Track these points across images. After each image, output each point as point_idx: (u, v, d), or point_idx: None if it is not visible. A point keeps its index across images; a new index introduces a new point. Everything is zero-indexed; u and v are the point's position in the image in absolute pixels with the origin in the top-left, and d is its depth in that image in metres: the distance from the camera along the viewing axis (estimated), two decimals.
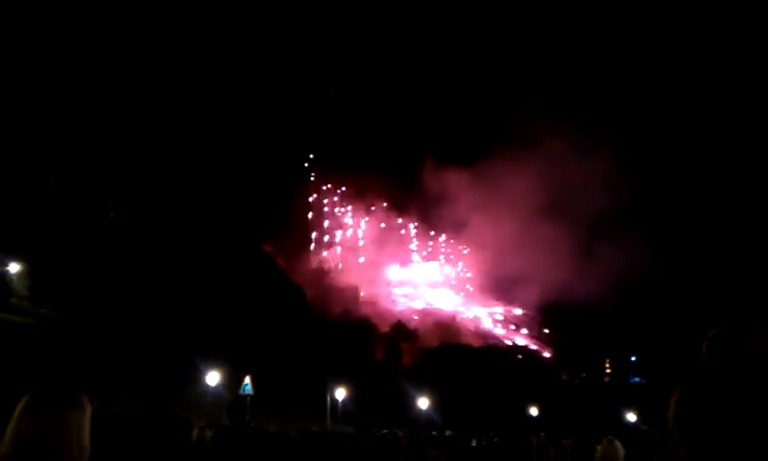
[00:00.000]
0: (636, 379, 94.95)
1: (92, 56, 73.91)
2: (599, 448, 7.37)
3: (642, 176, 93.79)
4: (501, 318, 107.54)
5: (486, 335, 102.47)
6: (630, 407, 54.34)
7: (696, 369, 2.27)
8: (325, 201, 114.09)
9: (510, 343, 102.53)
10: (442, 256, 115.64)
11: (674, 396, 1.93)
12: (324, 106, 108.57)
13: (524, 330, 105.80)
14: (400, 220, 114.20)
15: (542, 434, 28.65)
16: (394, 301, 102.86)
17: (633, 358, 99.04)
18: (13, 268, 49.16)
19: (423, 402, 52.22)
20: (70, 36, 71.21)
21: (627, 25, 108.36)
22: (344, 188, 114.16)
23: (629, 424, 50.33)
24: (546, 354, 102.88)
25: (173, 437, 5.90)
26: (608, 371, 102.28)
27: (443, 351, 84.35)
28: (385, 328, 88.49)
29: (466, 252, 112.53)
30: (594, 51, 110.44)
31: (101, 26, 75.68)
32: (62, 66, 69.55)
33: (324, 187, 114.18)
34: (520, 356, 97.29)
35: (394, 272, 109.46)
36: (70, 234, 60.11)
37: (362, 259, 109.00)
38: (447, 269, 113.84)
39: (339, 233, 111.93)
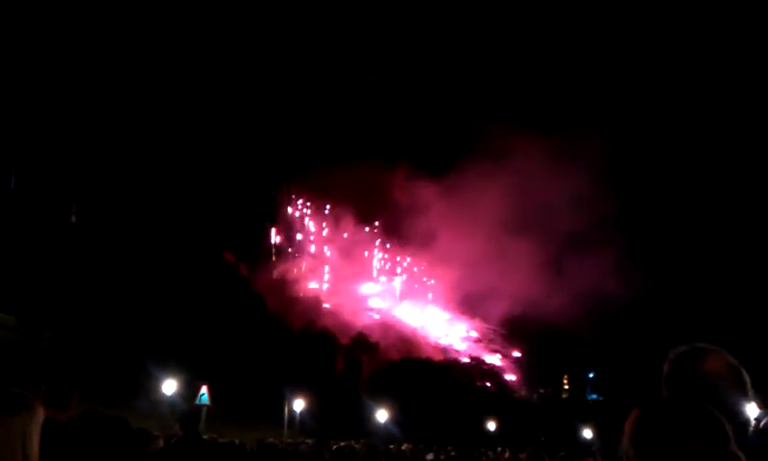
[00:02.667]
0: (594, 396, 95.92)
1: (55, 55, 72.78)
2: None
3: (611, 194, 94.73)
4: (463, 332, 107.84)
5: (447, 349, 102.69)
6: (587, 424, 54.91)
7: (656, 389, 2.23)
8: (291, 210, 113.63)
9: (470, 357, 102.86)
10: (405, 268, 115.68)
11: (631, 417, 1.88)
12: (293, 114, 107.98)
13: (485, 345, 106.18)
14: (367, 231, 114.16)
15: (499, 449, 28.77)
16: (356, 312, 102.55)
17: (590, 375, 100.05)
18: None
19: (382, 415, 52.09)
20: (31, 35, 70.04)
21: (597, 42, 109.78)
22: (310, 198, 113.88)
23: (585, 440, 50.78)
24: (506, 369, 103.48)
25: (128, 447, 5.76)
26: (566, 387, 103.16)
27: (403, 364, 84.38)
28: (346, 340, 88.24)
29: (428, 266, 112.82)
30: (567, 66, 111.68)
31: (64, 26, 74.54)
32: (22, 65, 68.34)
33: (291, 196, 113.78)
34: (480, 371, 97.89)
35: (358, 283, 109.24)
36: (30, 238, 59.07)
37: (326, 270, 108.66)
38: (412, 282, 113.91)
39: (304, 243, 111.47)
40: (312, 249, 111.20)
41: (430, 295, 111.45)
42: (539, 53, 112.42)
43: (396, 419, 53.64)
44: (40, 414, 2.84)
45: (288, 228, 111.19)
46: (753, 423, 2.51)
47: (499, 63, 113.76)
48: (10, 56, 66.11)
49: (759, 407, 2.85)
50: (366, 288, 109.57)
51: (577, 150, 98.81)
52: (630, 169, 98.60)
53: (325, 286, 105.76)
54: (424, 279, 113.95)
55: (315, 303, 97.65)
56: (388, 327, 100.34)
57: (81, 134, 72.06)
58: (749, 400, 2.50)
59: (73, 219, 69.65)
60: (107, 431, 5.29)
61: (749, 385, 2.52)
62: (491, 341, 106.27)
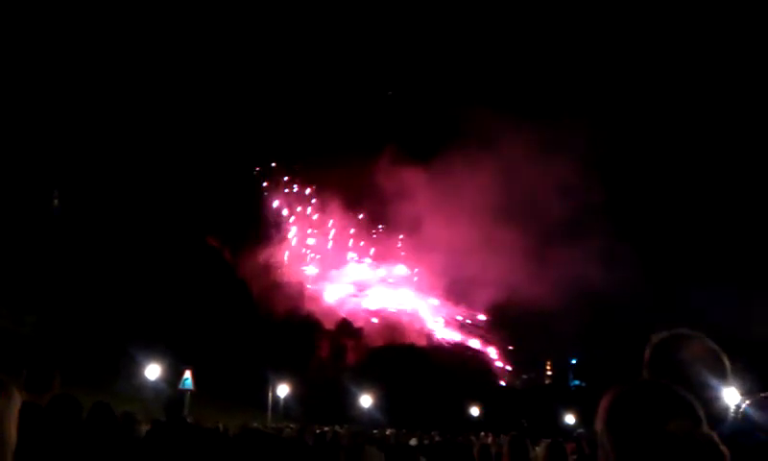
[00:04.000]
0: (576, 382, 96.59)
1: (32, 41, 71.92)
2: (538, 449, 7.41)
3: (596, 181, 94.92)
4: (448, 318, 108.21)
5: (431, 335, 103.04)
6: (569, 409, 55.38)
7: (637, 376, 2.24)
8: (277, 195, 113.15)
9: (454, 343, 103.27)
10: (391, 254, 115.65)
11: (604, 400, 1.87)
12: (278, 99, 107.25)
13: (469, 330, 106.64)
14: (352, 216, 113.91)
15: (482, 433, 28.92)
16: (341, 298, 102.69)
17: (573, 361, 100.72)
18: None
19: (366, 400, 52.29)
20: (7, 23, 69.06)
21: (585, 29, 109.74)
22: (296, 183, 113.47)
23: (567, 426, 51.21)
24: (490, 355, 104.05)
25: (106, 430, 5.74)
26: (549, 373, 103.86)
27: (387, 350, 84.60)
28: (330, 326, 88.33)
29: (413, 251, 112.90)
30: (557, 52, 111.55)
31: (39, 13, 73.58)
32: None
33: (276, 182, 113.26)
34: (464, 356, 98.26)
35: (342, 269, 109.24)
36: (11, 222, 58.57)
37: (311, 255, 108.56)
38: (397, 268, 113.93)
39: (289, 229, 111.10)
40: (297, 234, 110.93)
41: (415, 280, 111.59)
42: (527, 39, 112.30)
43: (380, 404, 53.88)
44: (17, 397, 2.79)
45: (273, 213, 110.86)
46: (732, 408, 2.54)
47: (486, 49, 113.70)
48: None
49: (740, 393, 2.88)
50: (351, 274, 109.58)
51: (564, 137, 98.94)
52: (614, 157, 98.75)
53: (310, 271, 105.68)
54: (410, 264, 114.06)
55: (299, 288, 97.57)
56: (373, 312, 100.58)
57: (62, 119, 71.36)
58: (728, 386, 2.52)
59: (55, 202, 69.14)
60: (80, 415, 5.28)
61: (728, 371, 2.55)
62: (475, 327, 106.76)
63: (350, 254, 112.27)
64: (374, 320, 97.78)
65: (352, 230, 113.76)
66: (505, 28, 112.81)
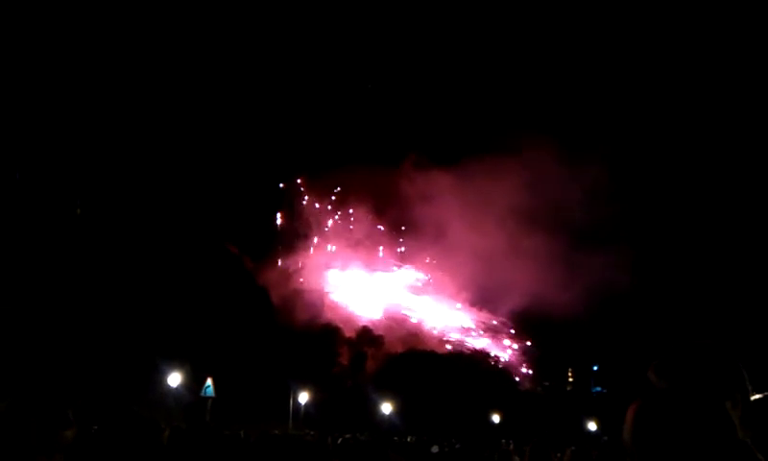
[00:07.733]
0: (598, 389, 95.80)
1: (57, 46, 72.75)
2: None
3: (618, 191, 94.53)
4: (469, 325, 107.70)
5: (452, 342, 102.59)
6: (591, 417, 54.97)
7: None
8: (297, 202, 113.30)
9: (475, 350, 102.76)
10: (411, 261, 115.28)
11: (631, 411, 1.83)
12: (303, 106, 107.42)
13: (490, 337, 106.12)
14: (375, 223, 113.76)
15: (503, 441, 28.78)
16: (361, 305, 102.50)
17: (595, 368, 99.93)
18: None
19: (387, 408, 52.24)
20: (35, 31, 69.98)
21: (611, 40, 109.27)
22: (318, 189, 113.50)
23: (590, 432, 50.86)
24: (511, 362, 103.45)
25: (141, 439, 5.76)
26: (570, 380, 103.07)
27: (407, 357, 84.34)
28: (351, 333, 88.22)
29: (434, 258, 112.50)
30: (584, 62, 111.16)
31: (68, 21, 74.42)
32: (26, 59, 68.33)
33: (298, 188, 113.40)
34: (485, 364, 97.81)
35: (363, 276, 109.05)
36: (35, 230, 59.16)
37: (332, 263, 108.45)
38: (418, 274, 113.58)
39: (310, 236, 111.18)
40: (318, 241, 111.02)
41: (435, 287, 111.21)
42: (550, 51, 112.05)
43: (401, 411, 53.78)
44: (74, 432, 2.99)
45: (294, 220, 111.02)
46: None
47: (511, 61, 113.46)
48: (14, 51, 66.18)
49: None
50: (372, 281, 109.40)
51: (586, 146, 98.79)
52: (639, 167, 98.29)
53: (331, 279, 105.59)
54: (432, 270, 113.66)
55: (320, 295, 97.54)
56: (393, 320, 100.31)
57: (85, 126, 72.14)
58: None
59: (78, 211, 69.77)
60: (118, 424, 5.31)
61: None
62: (496, 333, 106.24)
63: (372, 262, 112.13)
64: (395, 327, 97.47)
65: (375, 237, 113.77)
66: (531, 38, 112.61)
